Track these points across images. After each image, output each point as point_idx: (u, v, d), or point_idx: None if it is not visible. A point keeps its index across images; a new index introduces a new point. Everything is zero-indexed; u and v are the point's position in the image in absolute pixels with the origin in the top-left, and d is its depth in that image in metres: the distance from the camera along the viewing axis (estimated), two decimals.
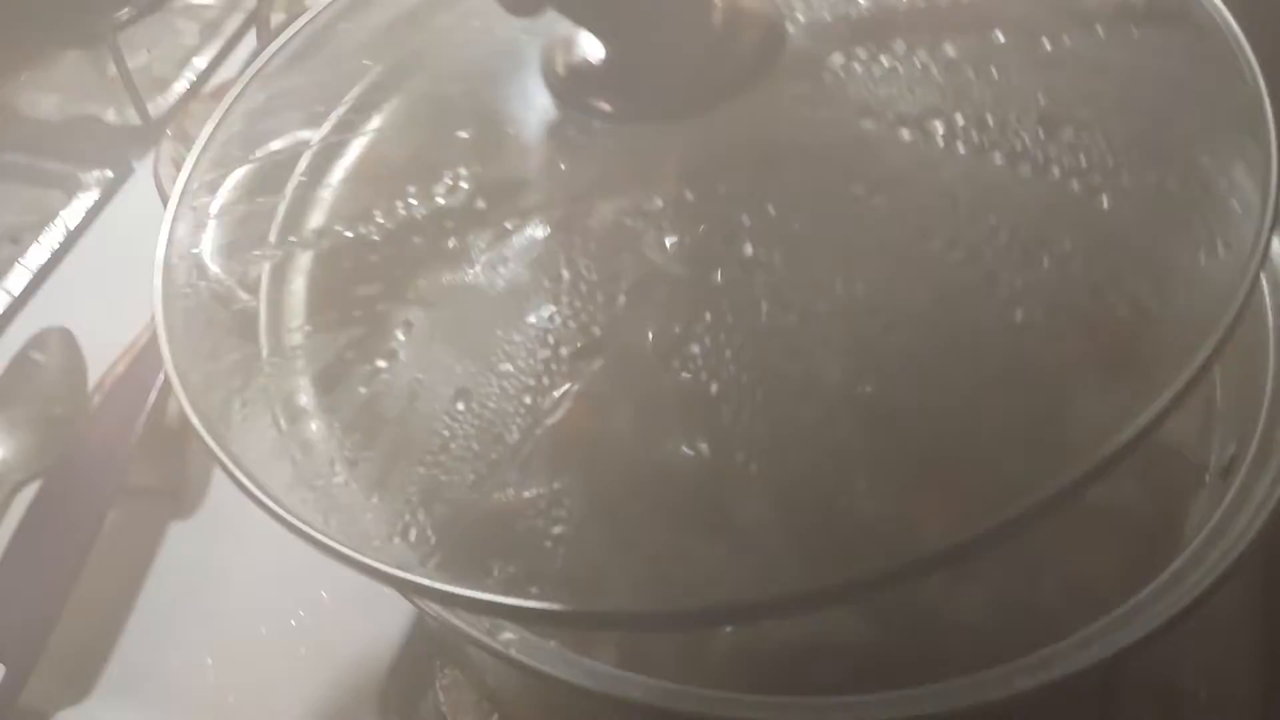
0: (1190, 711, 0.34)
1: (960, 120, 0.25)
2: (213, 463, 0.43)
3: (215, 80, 0.61)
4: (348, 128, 0.32)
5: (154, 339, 0.44)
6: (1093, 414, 0.22)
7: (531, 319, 0.25)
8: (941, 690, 0.24)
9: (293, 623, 0.40)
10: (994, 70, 0.25)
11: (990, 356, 0.23)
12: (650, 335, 0.24)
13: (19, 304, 0.51)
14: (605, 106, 0.26)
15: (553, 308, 0.25)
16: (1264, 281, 0.28)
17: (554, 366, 0.24)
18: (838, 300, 0.23)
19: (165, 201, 0.50)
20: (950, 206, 0.24)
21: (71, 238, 0.54)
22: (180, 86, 0.61)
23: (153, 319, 0.45)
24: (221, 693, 0.38)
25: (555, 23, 0.27)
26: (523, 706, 0.35)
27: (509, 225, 0.26)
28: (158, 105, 0.60)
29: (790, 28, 0.27)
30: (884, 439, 0.22)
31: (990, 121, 0.25)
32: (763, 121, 0.26)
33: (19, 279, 0.52)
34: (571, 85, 0.27)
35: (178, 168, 0.51)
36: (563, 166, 0.27)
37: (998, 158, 0.24)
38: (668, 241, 0.24)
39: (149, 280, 0.51)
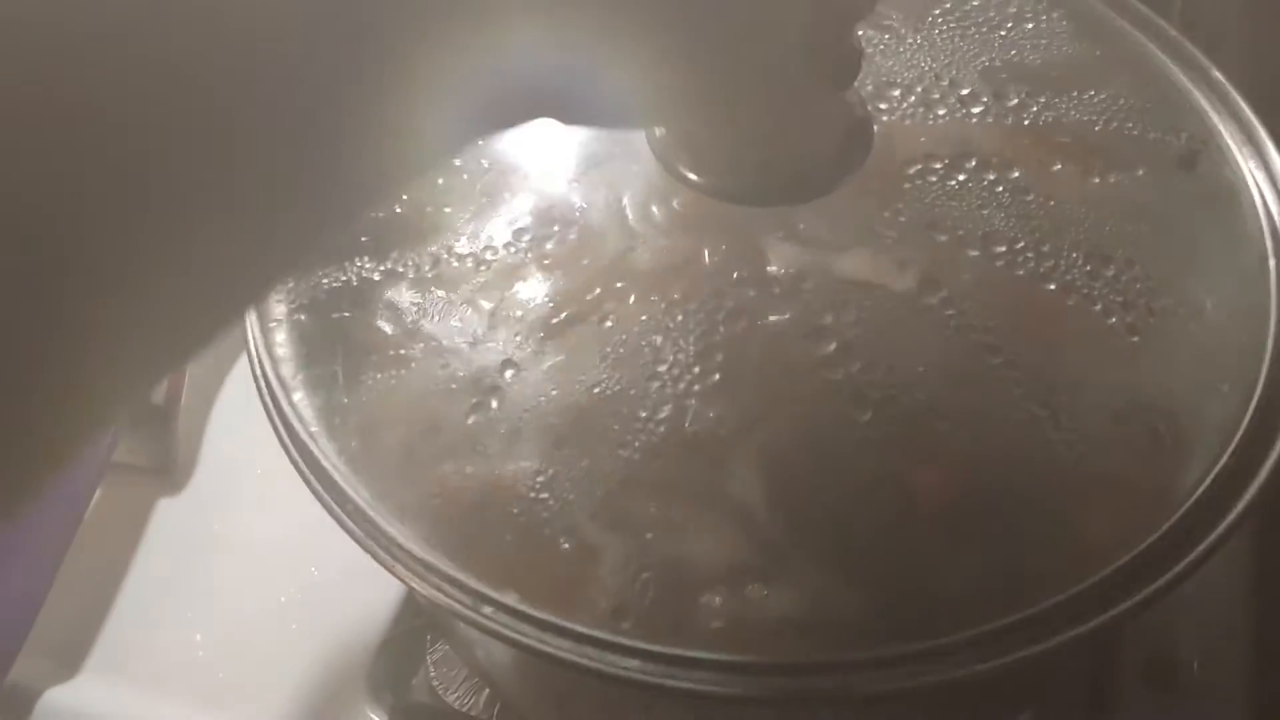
0: (1183, 681, 0.34)
1: (1020, 245, 0.27)
2: (199, 439, 0.43)
3: None
4: None
5: None
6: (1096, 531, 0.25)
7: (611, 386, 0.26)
8: (934, 658, 0.24)
9: (282, 599, 0.40)
10: (1051, 200, 0.28)
11: (1024, 463, 0.25)
12: (729, 420, 0.25)
13: None
14: (696, 178, 0.27)
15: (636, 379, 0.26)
16: (1267, 238, 0.28)
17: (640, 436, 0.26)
18: (906, 401, 0.26)
19: None
20: (1009, 327, 0.26)
21: None
22: None
23: None
24: (211, 669, 0.38)
25: None
26: (513, 679, 0.35)
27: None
28: None
29: (885, 129, 0.29)
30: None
31: (1046, 250, 0.27)
32: (847, 221, 0.28)
33: None
34: (670, 150, 0.28)
35: None
36: (659, 229, 0.28)
37: (1051, 286, 0.27)
38: (754, 325, 0.26)
39: None
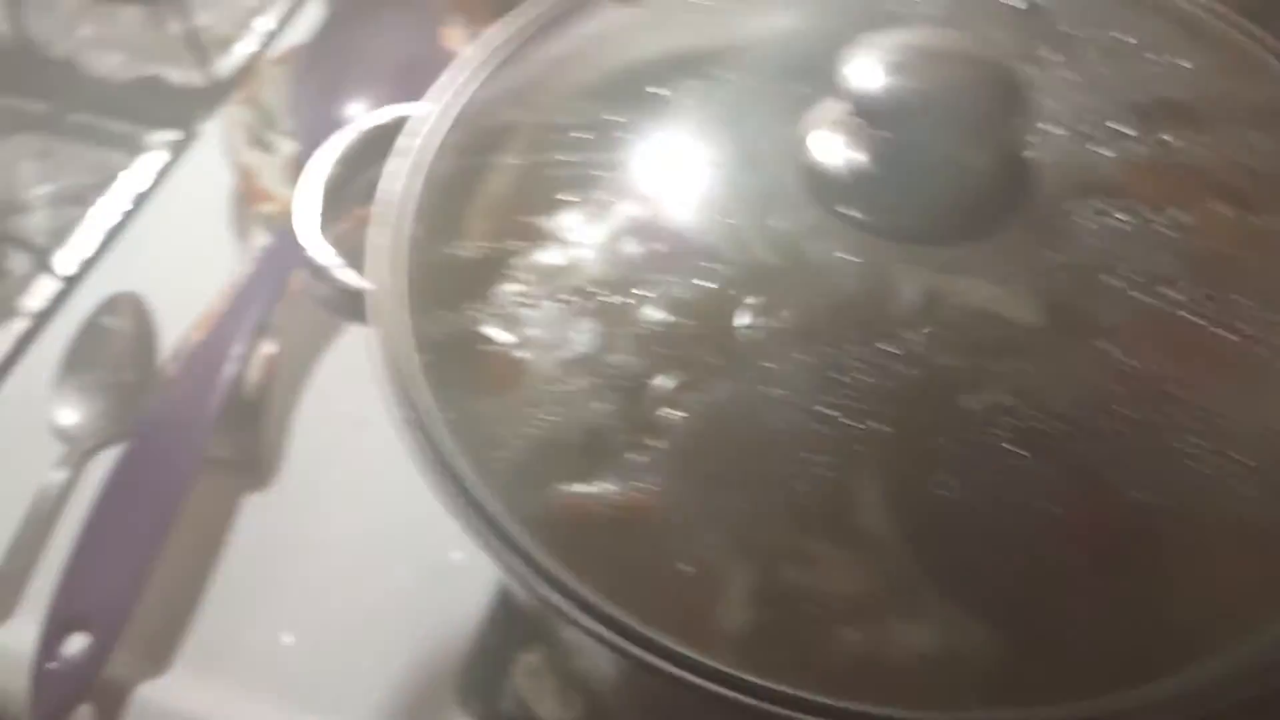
0: None
1: (1188, 288, 0.26)
2: (283, 436, 0.43)
3: (280, 44, 0.60)
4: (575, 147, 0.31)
5: (233, 307, 0.43)
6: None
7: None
8: (1075, 711, 0.23)
9: (370, 600, 0.40)
10: (1214, 241, 0.27)
11: (1193, 515, 0.25)
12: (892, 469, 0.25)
13: (88, 266, 0.50)
14: (857, 215, 0.26)
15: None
16: None
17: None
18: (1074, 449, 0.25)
19: (235, 166, 0.49)
20: (1186, 375, 0.26)
21: (139, 200, 0.53)
22: (243, 48, 0.60)
23: (229, 286, 0.44)
24: (300, 670, 0.38)
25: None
26: (618, 694, 0.34)
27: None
28: (220, 67, 0.59)
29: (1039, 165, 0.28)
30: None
31: (1214, 293, 0.26)
32: (1009, 262, 0.27)
33: (89, 241, 0.51)
34: (827, 182, 0.27)
35: (248, 133, 0.50)
36: (817, 267, 0.27)
37: (1223, 331, 0.26)
38: (916, 369, 0.25)
39: (218, 246, 0.50)
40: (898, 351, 0.26)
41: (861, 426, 0.25)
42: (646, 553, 0.26)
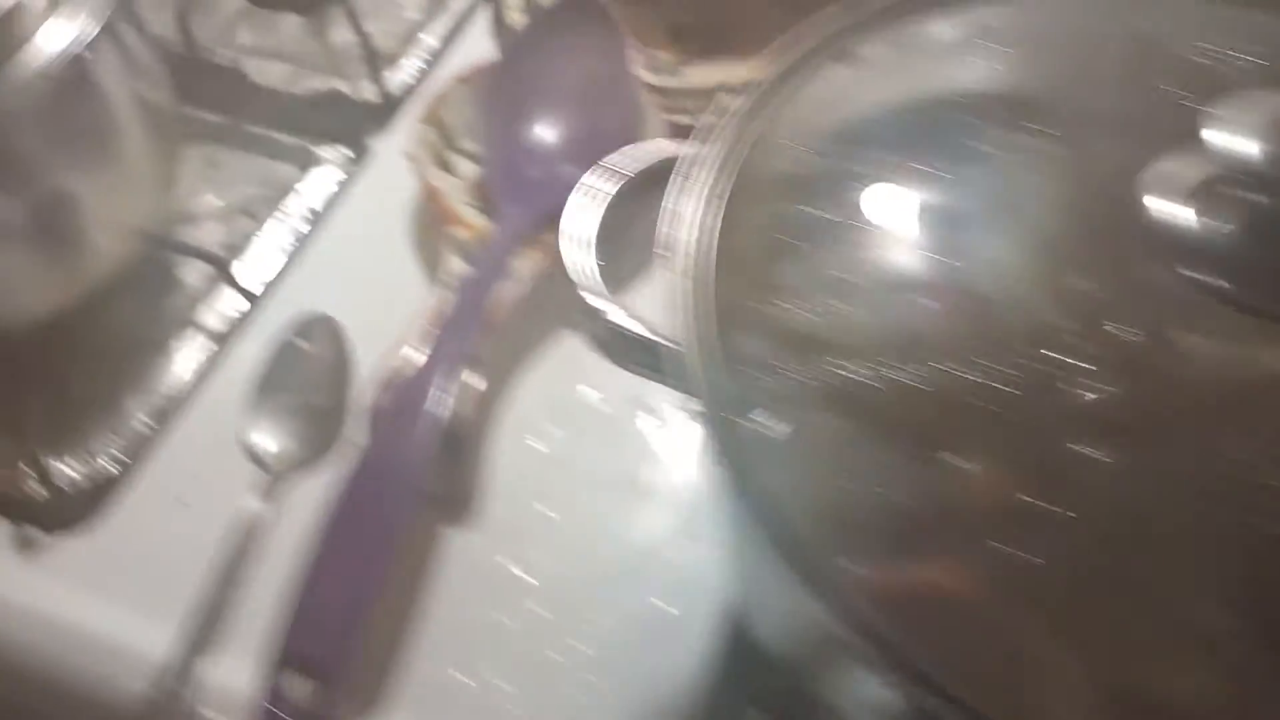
0: None
1: None
2: (481, 468, 0.42)
3: (447, 62, 0.59)
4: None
5: (440, 337, 0.42)
6: None
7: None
8: None
9: (584, 650, 0.38)
10: None
11: None
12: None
13: (271, 285, 0.50)
14: (1219, 283, 0.25)
15: None
16: None
17: None
18: None
19: (424, 187, 0.48)
20: None
21: (317, 218, 0.52)
22: (410, 64, 0.59)
23: (425, 313, 0.43)
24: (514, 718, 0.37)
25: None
26: None
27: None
28: (388, 82, 0.58)
29: None
30: None
31: None
32: None
33: (269, 258, 0.51)
34: (1180, 247, 0.26)
35: (433, 153, 0.49)
36: (1147, 335, 0.26)
37: None
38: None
39: (402, 268, 0.49)
40: (1259, 441, 0.24)
41: (1211, 521, 0.24)
42: (974, 634, 0.25)
